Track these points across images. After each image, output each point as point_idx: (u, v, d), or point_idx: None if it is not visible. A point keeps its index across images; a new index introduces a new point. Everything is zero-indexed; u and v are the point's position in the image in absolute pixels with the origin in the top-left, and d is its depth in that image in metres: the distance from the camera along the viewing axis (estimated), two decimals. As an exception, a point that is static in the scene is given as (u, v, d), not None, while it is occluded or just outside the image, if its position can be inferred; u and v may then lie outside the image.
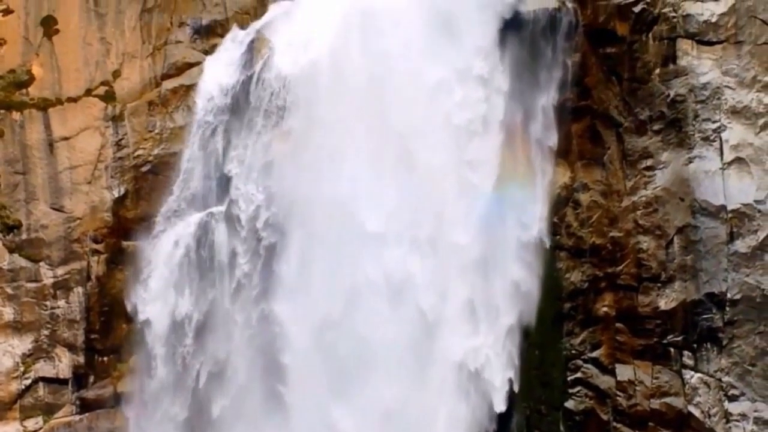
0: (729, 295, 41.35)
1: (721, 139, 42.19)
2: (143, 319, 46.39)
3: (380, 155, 44.26)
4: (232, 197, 46.02)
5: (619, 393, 42.90)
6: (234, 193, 45.82)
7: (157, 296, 46.42)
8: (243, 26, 47.30)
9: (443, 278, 43.86)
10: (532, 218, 43.95)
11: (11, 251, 46.98)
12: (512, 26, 45.14)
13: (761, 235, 41.36)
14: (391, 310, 43.56)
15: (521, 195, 44.54)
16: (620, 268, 43.20)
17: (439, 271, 43.82)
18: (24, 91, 47.60)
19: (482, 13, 44.40)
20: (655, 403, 42.20)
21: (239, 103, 46.02)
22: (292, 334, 44.08)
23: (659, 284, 42.59)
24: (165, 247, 46.85)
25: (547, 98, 44.49)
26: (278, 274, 44.72)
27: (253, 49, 46.45)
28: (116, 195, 47.22)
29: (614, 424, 43.38)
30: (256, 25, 46.82)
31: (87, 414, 47.14)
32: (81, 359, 46.81)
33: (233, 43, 47.07)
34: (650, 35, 43.09)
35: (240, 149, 46.46)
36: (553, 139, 44.47)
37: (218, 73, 46.77)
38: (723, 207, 41.89)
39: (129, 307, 46.78)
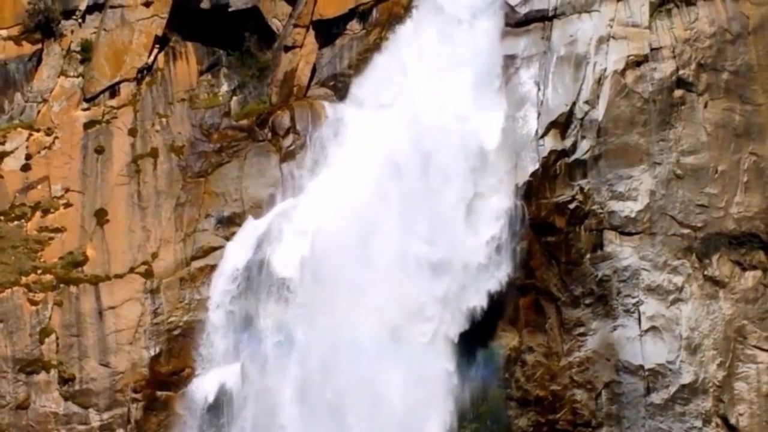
0: (647, 438, 43.93)
1: (639, 312, 46.34)
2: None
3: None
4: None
5: None
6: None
7: None
8: (256, 217, 49.71)
9: None
10: None
11: (66, 399, 49.11)
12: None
13: (672, 390, 46.01)
14: None
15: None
16: (559, 415, 46.53)
17: None
18: (80, 269, 50.10)
19: None
20: None
21: (253, 282, 48.63)
22: None
23: (590, 429, 46.43)
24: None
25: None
26: None
27: (264, 236, 49.02)
28: (152, 354, 49.34)
29: None
30: (268, 217, 49.48)
31: None
32: (122, 489, 48.40)
33: (248, 232, 49.57)
34: (582, 227, 46.77)
35: (257, 320, 48.31)
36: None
37: (236, 255, 49.32)
38: (641, 366, 46.15)
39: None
